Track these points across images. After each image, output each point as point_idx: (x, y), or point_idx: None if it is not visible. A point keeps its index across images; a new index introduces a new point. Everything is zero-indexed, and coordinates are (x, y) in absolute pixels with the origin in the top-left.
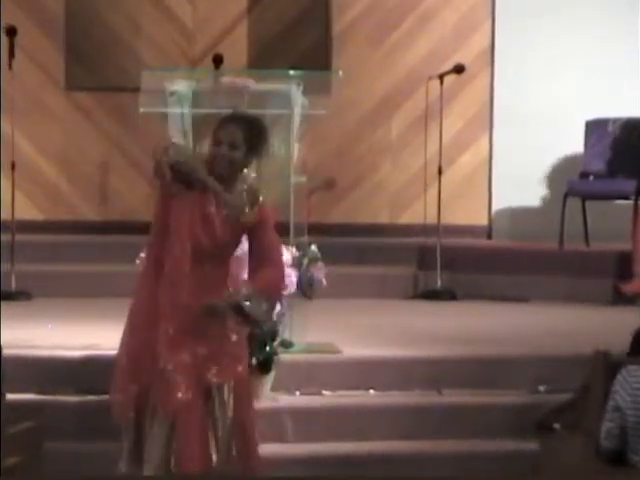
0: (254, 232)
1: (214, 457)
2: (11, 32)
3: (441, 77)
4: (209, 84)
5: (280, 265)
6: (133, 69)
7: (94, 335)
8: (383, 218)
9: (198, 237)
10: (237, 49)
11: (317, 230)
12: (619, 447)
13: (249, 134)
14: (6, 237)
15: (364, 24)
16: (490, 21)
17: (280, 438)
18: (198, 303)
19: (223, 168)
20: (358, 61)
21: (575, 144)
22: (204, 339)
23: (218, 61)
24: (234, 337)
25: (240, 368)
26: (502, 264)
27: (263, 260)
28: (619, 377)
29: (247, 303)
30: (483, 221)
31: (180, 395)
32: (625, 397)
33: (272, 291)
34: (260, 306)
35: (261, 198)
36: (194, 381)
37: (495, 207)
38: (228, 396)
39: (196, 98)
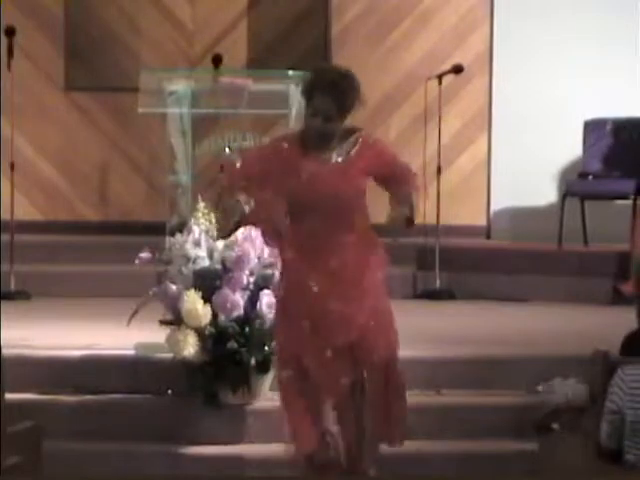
0: (374, 171)
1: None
2: (10, 32)
3: (440, 77)
4: (208, 84)
5: (409, 172)
6: (132, 69)
7: (93, 335)
8: (382, 218)
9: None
10: (236, 49)
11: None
12: (618, 447)
13: (343, 103)
14: (5, 237)
15: (363, 24)
16: (489, 21)
17: (279, 438)
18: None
19: (318, 139)
20: (357, 61)
21: (574, 144)
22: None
23: (217, 61)
24: (371, 323)
25: (375, 357)
26: (501, 264)
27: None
28: (616, 377)
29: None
30: (482, 221)
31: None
32: (622, 397)
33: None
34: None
35: (351, 140)
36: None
37: (494, 207)
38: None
39: (195, 98)
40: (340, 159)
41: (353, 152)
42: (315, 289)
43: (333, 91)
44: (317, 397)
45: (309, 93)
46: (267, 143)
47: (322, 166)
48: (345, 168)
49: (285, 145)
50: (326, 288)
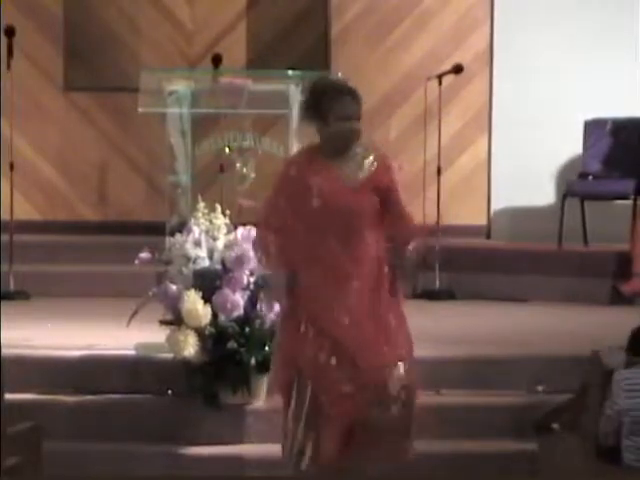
0: (383, 193)
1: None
2: (10, 32)
3: (440, 77)
4: (208, 84)
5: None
6: (132, 69)
7: (92, 335)
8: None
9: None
10: (236, 49)
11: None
12: (617, 447)
13: (361, 106)
14: (5, 237)
15: (363, 24)
16: (489, 21)
17: (279, 438)
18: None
19: (351, 143)
20: (357, 61)
21: (574, 144)
22: (366, 324)
23: (217, 61)
24: (393, 322)
25: (403, 353)
26: (501, 264)
27: (395, 218)
28: (614, 378)
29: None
30: (482, 221)
31: (344, 389)
32: (620, 397)
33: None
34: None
35: (371, 158)
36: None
37: (494, 207)
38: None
39: (195, 98)
40: (359, 175)
41: (372, 170)
42: (344, 320)
43: (354, 93)
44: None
45: (328, 101)
46: (278, 174)
47: (339, 180)
48: (363, 184)
49: (295, 169)
50: (351, 315)
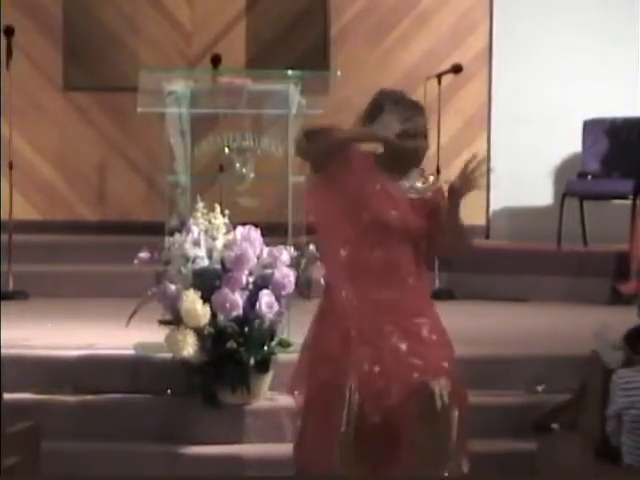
0: (432, 214)
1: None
2: (9, 32)
3: (439, 77)
4: (207, 84)
5: None
6: (131, 69)
7: (91, 335)
8: None
9: (374, 217)
10: (235, 49)
11: (315, 230)
12: (617, 446)
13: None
14: (4, 237)
15: (362, 24)
16: (488, 21)
17: (278, 438)
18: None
19: (416, 162)
20: (356, 61)
21: (573, 144)
22: (398, 334)
23: (216, 61)
24: (425, 332)
25: (445, 364)
26: (500, 264)
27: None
28: (613, 378)
29: None
30: (481, 221)
31: (386, 399)
32: (619, 397)
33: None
34: None
35: (432, 179)
36: (399, 383)
37: (493, 207)
38: (441, 399)
39: (194, 98)
40: (416, 197)
41: (431, 193)
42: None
43: (423, 113)
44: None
45: (405, 113)
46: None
47: (399, 192)
48: (421, 204)
49: (364, 155)
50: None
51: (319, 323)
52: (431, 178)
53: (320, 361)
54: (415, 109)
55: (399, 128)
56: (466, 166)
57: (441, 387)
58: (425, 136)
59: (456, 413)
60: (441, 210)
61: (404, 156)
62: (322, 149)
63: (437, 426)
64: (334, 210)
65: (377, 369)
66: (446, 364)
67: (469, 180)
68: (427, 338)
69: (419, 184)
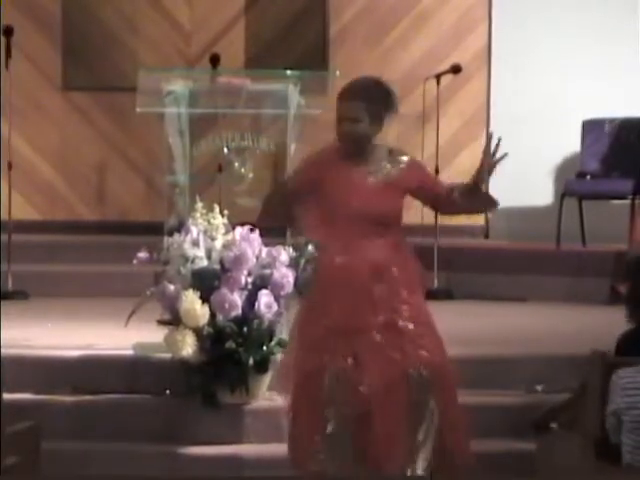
0: (417, 191)
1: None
2: (8, 32)
3: (438, 77)
4: (206, 84)
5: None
6: (130, 69)
7: (91, 335)
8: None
9: (350, 208)
10: (234, 49)
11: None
12: (617, 446)
13: (369, 104)
14: (3, 237)
15: (361, 24)
16: (487, 21)
17: (277, 438)
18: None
19: (349, 144)
20: (355, 61)
21: (572, 144)
22: (380, 325)
23: (215, 61)
24: (410, 326)
25: (425, 353)
26: (499, 264)
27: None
28: (612, 379)
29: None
30: (480, 221)
31: (363, 389)
32: (619, 397)
33: None
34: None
35: (405, 158)
36: (377, 373)
37: None
38: (425, 387)
39: (193, 98)
40: (384, 176)
41: (400, 172)
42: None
43: (359, 92)
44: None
45: (338, 101)
46: (309, 155)
47: (364, 181)
48: (387, 185)
49: (326, 155)
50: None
51: (302, 317)
52: (404, 158)
53: (304, 355)
54: (341, 95)
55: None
56: (486, 148)
57: (417, 381)
58: (353, 120)
59: (431, 406)
60: (427, 181)
61: (342, 143)
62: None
63: (411, 419)
64: (316, 209)
65: (356, 361)
66: (425, 353)
67: (490, 161)
68: (408, 329)
69: (388, 165)
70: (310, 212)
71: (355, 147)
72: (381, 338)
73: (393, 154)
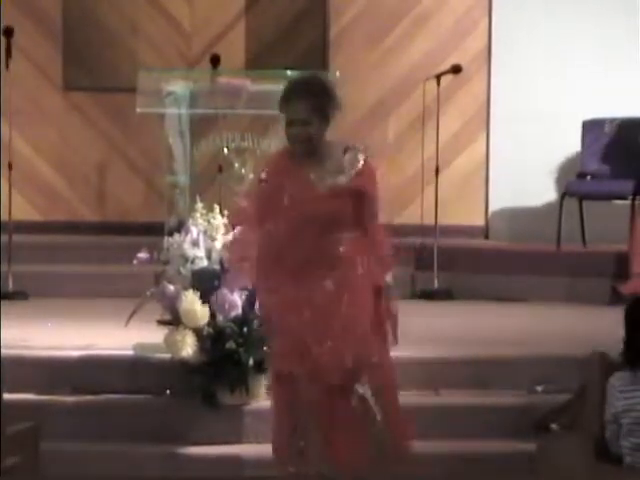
0: (362, 199)
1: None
2: (8, 32)
3: (438, 77)
4: (206, 85)
5: (379, 235)
6: (130, 70)
7: (91, 335)
8: (380, 218)
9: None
10: (234, 50)
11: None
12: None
13: (316, 103)
14: (3, 237)
15: (361, 25)
16: (487, 21)
17: None
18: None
19: (303, 147)
20: (355, 62)
21: (572, 144)
22: (327, 332)
23: (215, 62)
24: (360, 329)
25: (374, 359)
26: (499, 264)
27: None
28: (610, 382)
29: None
30: (480, 221)
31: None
32: (617, 400)
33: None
34: None
35: (362, 161)
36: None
37: (492, 207)
38: (368, 389)
39: (193, 98)
40: (339, 179)
41: (355, 175)
42: (306, 315)
43: (299, 94)
44: (300, 410)
45: (281, 104)
46: (253, 185)
47: (308, 183)
48: (341, 189)
49: (266, 175)
50: (315, 313)
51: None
52: (358, 162)
53: (275, 353)
54: (287, 96)
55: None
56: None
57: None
58: (303, 121)
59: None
60: (365, 198)
61: (293, 146)
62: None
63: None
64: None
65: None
66: (367, 358)
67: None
68: (353, 330)
69: (340, 168)
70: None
71: (307, 148)
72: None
73: (349, 152)
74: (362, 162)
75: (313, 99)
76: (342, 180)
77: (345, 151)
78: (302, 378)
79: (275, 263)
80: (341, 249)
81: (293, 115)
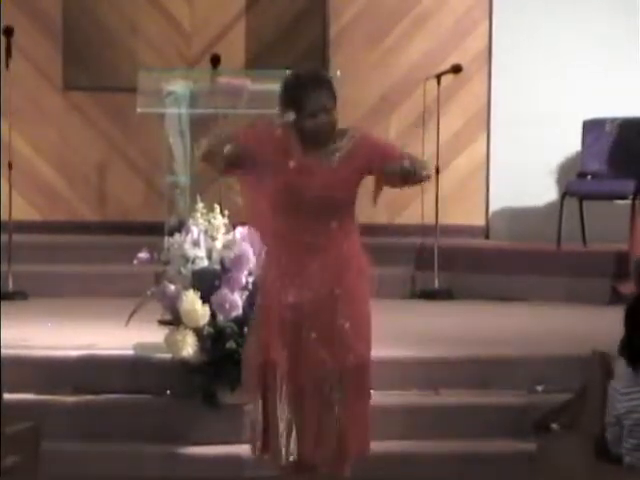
0: (369, 165)
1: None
2: (8, 32)
3: (438, 77)
4: (206, 84)
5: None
6: (130, 69)
7: (91, 335)
8: (381, 218)
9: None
10: (234, 49)
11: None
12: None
13: (333, 91)
14: (3, 237)
15: (361, 25)
16: (487, 21)
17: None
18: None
19: (327, 136)
20: (355, 62)
21: (573, 144)
22: (316, 325)
23: (215, 61)
24: (347, 325)
25: (351, 357)
26: (500, 264)
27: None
28: (611, 384)
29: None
30: (481, 221)
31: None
32: (618, 402)
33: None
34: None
35: (356, 135)
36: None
37: (493, 207)
38: (340, 385)
39: (193, 98)
40: (335, 161)
41: (346, 153)
42: (291, 298)
43: (325, 84)
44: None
45: (299, 95)
46: (260, 124)
47: (316, 164)
48: (339, 170)
49: (279, 130)
50: (305, 294)
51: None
52: (354, 135)
53: (259, 347)
54: (310, 85)
55: (293, 115)
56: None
57: (333, 379)
58: (329, 110)
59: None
60: (375, 153)
61: (311, 134)
62: (221, 167)
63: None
64: (264, 195)
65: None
66: (351, 358)
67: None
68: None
69: (339, 148)
70: (258, 192)
71: (327, 137)
72: (315, 335)
73: (343, 135)
74: (356, 136)
75: (331, 87)
76: (337, 157)
77: (341, 134)
78: (284, 367)
79: (274, 238)
80: (335, 231)
81: (318, 105)
